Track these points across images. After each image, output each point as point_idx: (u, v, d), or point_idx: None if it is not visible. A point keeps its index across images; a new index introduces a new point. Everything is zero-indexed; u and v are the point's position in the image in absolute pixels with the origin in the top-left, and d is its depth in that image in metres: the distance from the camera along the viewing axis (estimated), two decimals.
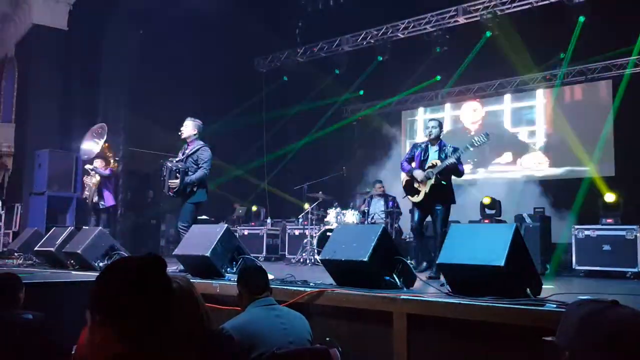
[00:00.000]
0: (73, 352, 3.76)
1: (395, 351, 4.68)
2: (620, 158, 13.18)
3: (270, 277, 4.38)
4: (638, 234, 9.27)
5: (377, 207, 11.90)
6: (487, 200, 11.34)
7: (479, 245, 4.84)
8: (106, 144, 11.62)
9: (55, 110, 14.88)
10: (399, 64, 15.27)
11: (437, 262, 5.23)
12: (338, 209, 11.93)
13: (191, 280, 3.55)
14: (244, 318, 3.78)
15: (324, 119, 17.23)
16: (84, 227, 10.03)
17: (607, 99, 13.77)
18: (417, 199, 7.89)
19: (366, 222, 11.47)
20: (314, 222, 12.35)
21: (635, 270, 9.12)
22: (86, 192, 11.51)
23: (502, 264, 4.49)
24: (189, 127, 8.61)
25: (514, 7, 13.13)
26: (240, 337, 3.51)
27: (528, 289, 4.55)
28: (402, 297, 4.80)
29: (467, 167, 8.54)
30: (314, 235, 11.81)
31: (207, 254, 6.49)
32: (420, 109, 17.06)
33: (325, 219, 12.10)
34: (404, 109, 17.29)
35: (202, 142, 8.59)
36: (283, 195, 16.06)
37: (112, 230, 11.16)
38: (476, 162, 15.47)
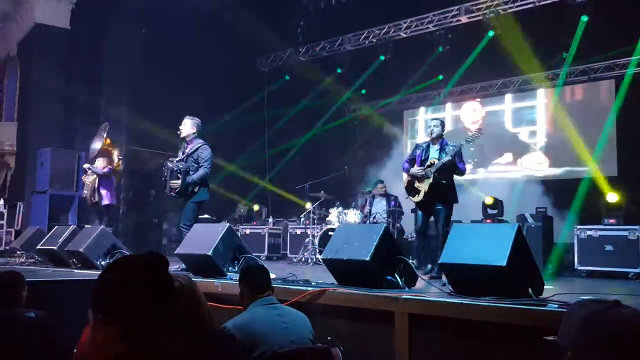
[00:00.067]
0: (75, 351, 3.77)
1: (396, 351, 4.68)
2: (622, 158, 13.16)
3: (272, 276, 4.38)
4: None
5: (379, 206, 11.89)
6: (489, 200, 11.33)
7: (481, 245, 4.84)
8: (108, 141, 11.56)
9: (57, 109, 14.92)
10: (401, 63, 15.25)
11: (439, 261, 5.23)
12: (340, 209, 11.92)
13: (193, 279, 3.55)
14: (245, 317, 3.78)
15: (326, 118, 17.23)
16: (86, 225, 10.05)
17: (609, 99, 13.74)
18: (418, 198, 7.88)
19: (368, 222, 11.46)
20: (315, 222, 12.35)
21: (638, 270, 9.09)
22: (84, 191, 11.53)
23: (504, 264, 4.49)
24: (187, 126, 8.55)
25: (517, 6, 13.10)
26: (242, 336, 3.51)
27: (530, 289, 4.55)
28: (403, 296, 4.80)
29: (467, 167, 8.50)
30: (316, 234, 11.81)
31: (209, 253, 6.50)
32: (422, 109, 17.05)
33: (327, 219, 12.10)
34: (405, 108, 17.28)
35: (201, 141, 8.54)
36: (285, 194, 16.05)
37: (114, 229, 11.15)
38: (477, 162, 15.48)
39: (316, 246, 11.42)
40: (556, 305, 4.15)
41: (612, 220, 9.91)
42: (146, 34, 15.09)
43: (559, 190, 13.13)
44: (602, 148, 13.20)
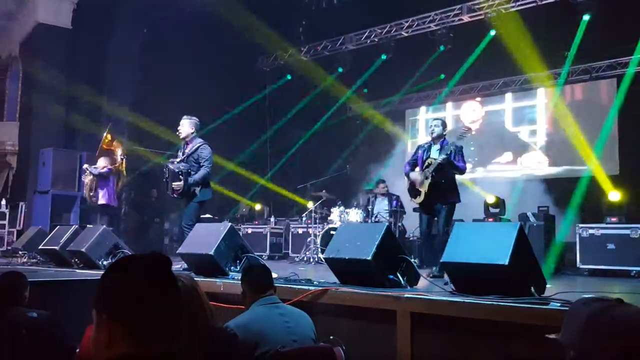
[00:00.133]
0: (77, 351, 3.78)
1: (398, 350, 4.67)
2: (624, 156, 13.15)
3: (274, 275, 4.38)
4: None
5: (381, 206, 11.89)
6: (491, 200, 11.33)
7: (483, 243, 4.84)
8: (108, 138, 11.47)
9: (59, 109, 14.90)
10: (403, 62, 15.25)
11: (441, 260, 5.22)
12: (342, 208, 11.91)
13: (195, 278, 3.56)
14: (247, 316, 3.78)
15: (327, 117, 17.23)
16: (88, 225, 10.05)
17: (611, 98, 13.72)
18: (419, 200, 7.91)
19: (370, 221, 11.46)
20: (317, 221, 12.35)
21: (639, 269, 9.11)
22: (84, 191, 11.52)
23: (506, 262, 4.49)
24: (185, 126, 8.50)
25: (518, 5, 13.10)
26: (244, 335, 3.51)
27: (532, 288, 4.55)
28: (405, 295, 4.80)
29: (467, 166, 8.51)
30: (318, 233, 11.80)
31: (211, 253, 6.50)
32: (422, 108, 17.06)
33: (329, 218, 12.09)
34: (407, 107, 17.28)
35: (201, 140, 8.51)
36: (286, 193, 16.05)
37: (115, 229, 11.12)
38: (477, 161, 15.49)
39: (318, 245, 11.42)
40: (559, 304, 4.15)
41: (614, 219, 9.91)
42: (148, 33, 15.10)
43: (559, 189, 13.13)
44: (603, 147, 13.19)
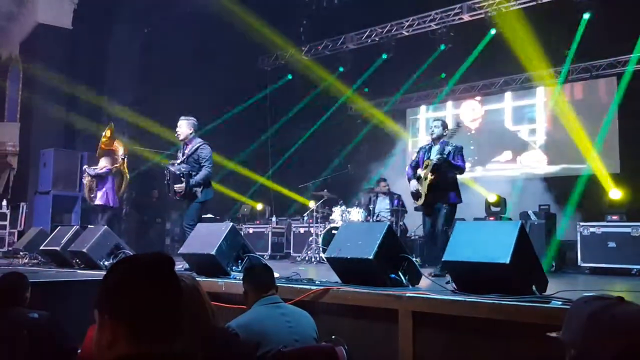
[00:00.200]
0: (79, 352, 3.78)
1: (400, 349, 4.67)
2: (625, 155, 13.14)
3: (276, 275, 4.38)
4: None
5: (383, 205, 11.89)
6: (492, 198, 11.33)
7: (484, 242, 4.83)
8: (108, 134, 11.41)
9: (59, 109, 14.91)
10: (404, 61, 15.25)
11: (442, 259, 5.22)
12: (343, 207, 11.91)
13: (197, 278, 3.56)
14: (249, 316, 3.77)
15: (328, 116, 17.23)
16: (89, 226, 10.04)
17: (611, 96, 13.72)
18: (420, 201, 7.96)
19: (371, 220, 11.46)
20: (319, 220, 12.35)
21: None
22: (84, 191, 11.51)
23: (507, 261, 4.49)
24: (184, 127, 8.49)
25: (519, 4, 13.09)
26: (246, 335, 3.51)
27: (534, 286, 4.55)
28: (407, 294, 4.79)
29: (467, 165, 8.54)
30: (319, 233, 11.80)
31: (213, 253, 6.50)
32: (423, 107, 17.06)
33: (331, 217, 12.08)
34: (408, 106, 17.29)
35: (200, 140, 8.50)
36: (288, 193, 16.06)
37: (116, 230, 11.09)
38: (476, 160, 15.50)
39: (320, 245, 11.42)
40: (560, 302, 4.14)
41: (615, 217, 9.90)
42: (148, 33, 15.11)
43: (560, 188, 13.13)
44: (604, 145, 13.19)
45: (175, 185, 8.24)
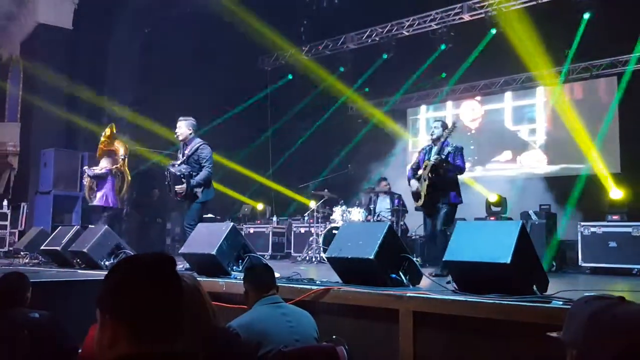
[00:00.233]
0: (79, 351, 3.78)
1: (401, 349, 4.67)
2: (625, 155, 13.13)
3: (276, 275, 4.38)
4: None
5: (383, 205, 11.89)
6: (493, 198, 11.32)
7: (485, 242, 4.83)
8: (107, 133, 11.37)
9: (60, 110, 14.91)
10: (404, 61, 15.26)
11: (443, 259, 5.22)
12: (344, 207, 11.90)
13: (197, 278, 3.56)
14: (250, 316, 3.78)
15: (329, 116, 17.23)
16: (89, 226, 10.04)
17: (611, 96, 13.72)
18: (420, 202, 8.00)
19: (372, 220, 11.46)
20: (319, 220, 12.35)
21: None
22: (85, 192, 11.50)
23: (508, 261, 4.49)
24: (183, 128, 8.48)
25: (519, 3, 13.09)
26: (247, 335, 3.51)
27: (534, 286, 4.55)
28: (408, 294, 4.79)
29: (467, 165, 8.56)
30: (320, 233, 11.80)
31: (213, 252, 6.50)
32: (423, 107, 17.07)
33: (331, 217, 12.07)
34: (408, 106, 17.30)
35: (200, 140, 8.49)
36: (288, 192, 16.06)
37: (117, 229, 11.07)
38: (476, 159, 15.50)
39: (320, 245, 11.42)
40: (561, 302, 4.14)
41: (615, 217, 9.90)
42: (149, 33, 15.11)
43: (560, 187, 13.12)
44: (604, 145, 13.19)
45: (176, 187, 8.23)
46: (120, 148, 11.37)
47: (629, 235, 9.35)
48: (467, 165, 9.79)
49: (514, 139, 15.32)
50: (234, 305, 5.12)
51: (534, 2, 12.95)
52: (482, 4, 13.57)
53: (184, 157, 8.41)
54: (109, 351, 1.60)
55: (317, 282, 5.74)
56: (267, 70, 17.85)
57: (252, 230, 13.88)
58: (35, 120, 16.07)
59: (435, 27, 14.44)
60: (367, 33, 15.64)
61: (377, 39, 15.48)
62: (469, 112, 16.14)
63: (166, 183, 8.56)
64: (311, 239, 11.99)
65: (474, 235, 5.09)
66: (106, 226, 9.10)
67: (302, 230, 13.20)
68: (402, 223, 11.65)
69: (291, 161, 17.10)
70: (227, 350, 3.10)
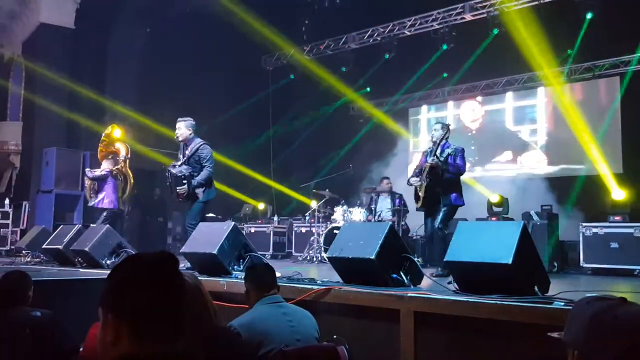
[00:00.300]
0: (81, 350, 3.78)
1: (402, 349, 4.67)
2: (628, 155, 13.13)
3: (277, 274, 4.38)
4: None
5: (384, 205, 11.88)
6: (495, 199, 11.32)
7: (486, 242, 4.83)
8: (107, 131, 11.33)
9: (62, 109, 14.91)
10: (406, 61, 15.25)
11: (444, 259, 5.22)
12: (345, 207, 11.91)
13: (198, 278, 3.56)
14: (251, 315, 3.78)
15: (330, 116, 17.23)
16: (91, 225, 10.03)
17: (613, 96, 13.72)
18: (419, 204, 8.06)
19: (373, 220, 11.46)
20: (320, 220, 12.34)
21: None
22: (86, 192, 11.50)
23: (509, 261, 4.48)
24: (182, 129, 8.46)
25: (521, 3, 13.08)
26: (248, 334, 3.51)
27: (536, 287, 4.54)
28: (409, 294, 4.79)
29: (467, 166, 8.57)
30: (321, 232, 11.80)
31: (215, 252, 6.50)
32: (424, 107, 17.07)
33: (332, 217, 12.08)
34: (410, 106, 17.31)
35: (200, 140, 8.48)
36: (290, 192, 16.06)
37: (119, 228, 11.05)
38: (477, 160, 15.50)
39: (321, 244, 11.42)
40: (562, 303, 4.14)
41: (617, 218, 9.89)
42: (151, 33, 15.11)
43: (561, 188, 13.13)
44: (606, 145, 13.18)
45: (177, 188, 8.23)
46: (121, 149, 11.31)
47: (631, 236, 9.35)
48: (468, 165, 9.79)
49: (514, 139, 15.31)
50: (235, 305, 5.13)
51: (535, 2, 12.94)
52: (483, 4, 13.57)
53: (185, 158, 8.39)
54: (111, 350, 1.60)
55: (318, 281, 5.74)
56: (269, 70, 17.85)
57: (253, 230, 13.88)
58: (37, 119, 16.06)
59: (437, 27, 14.44)
60: (369, 33, 15.64)
61: (379, 38, 15.48)
62: (469, 112, 16.14)
63: (167, 184, 8.56)
64: (312, 238, 12.00)
65: (476, 236, 5.09)
66: (107, 225, 9.09)
67: (303, 229, 13.21)
68: (403, 223, 11.64)
69: (292, 161, 17.12)
70: (228, 349, 3.10)
